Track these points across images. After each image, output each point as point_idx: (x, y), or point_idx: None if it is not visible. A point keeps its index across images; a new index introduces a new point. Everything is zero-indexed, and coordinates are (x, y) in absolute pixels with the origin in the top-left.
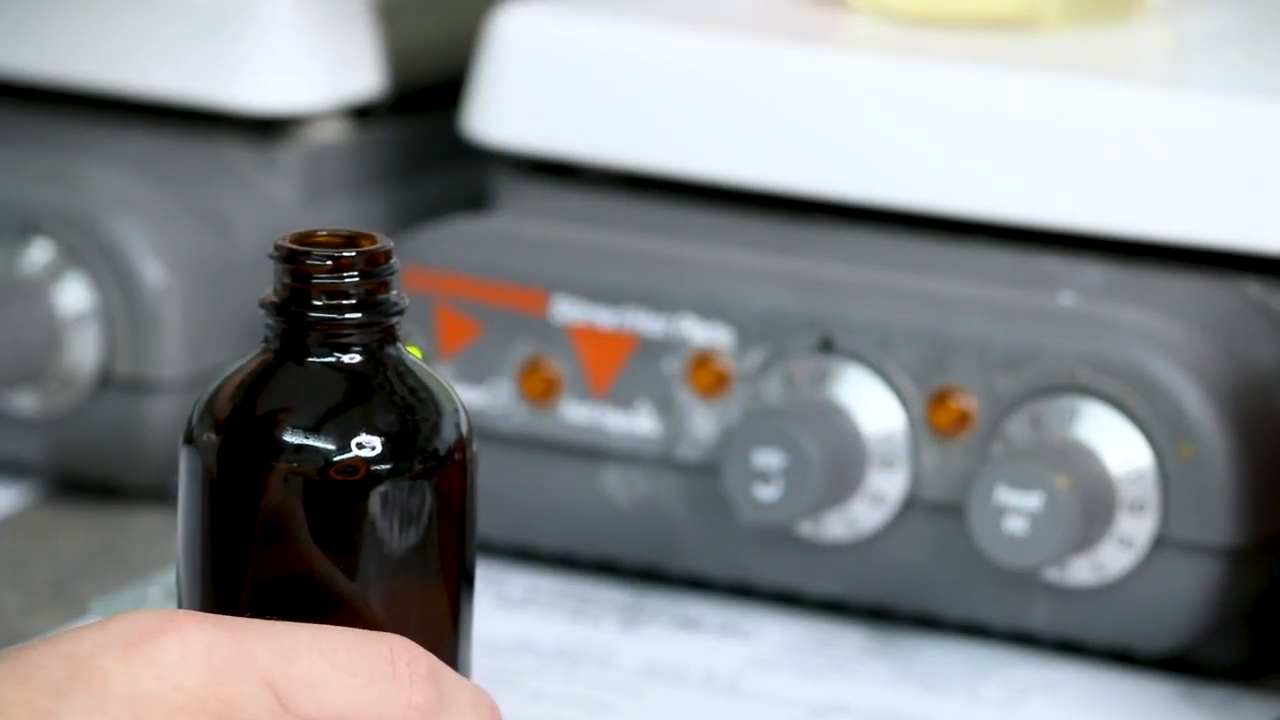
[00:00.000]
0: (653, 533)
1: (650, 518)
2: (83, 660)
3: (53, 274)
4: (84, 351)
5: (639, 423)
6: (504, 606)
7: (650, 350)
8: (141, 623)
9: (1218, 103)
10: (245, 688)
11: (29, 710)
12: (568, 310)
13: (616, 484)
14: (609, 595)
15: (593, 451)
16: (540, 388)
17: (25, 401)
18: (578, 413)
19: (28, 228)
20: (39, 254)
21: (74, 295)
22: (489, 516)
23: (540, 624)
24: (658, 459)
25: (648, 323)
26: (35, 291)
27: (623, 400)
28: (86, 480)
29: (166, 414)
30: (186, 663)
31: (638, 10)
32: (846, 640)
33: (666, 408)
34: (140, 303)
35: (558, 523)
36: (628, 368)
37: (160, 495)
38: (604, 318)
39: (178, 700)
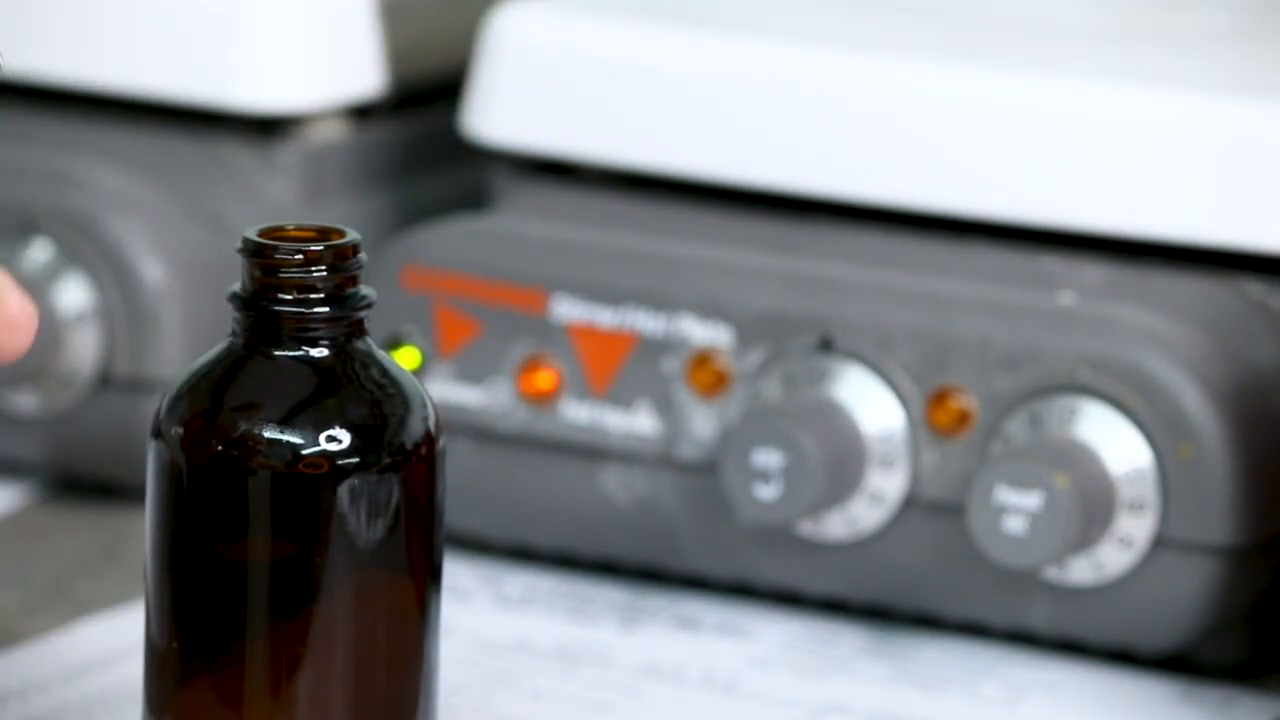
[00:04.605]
0: (652, 532)
1: (650, 517)
2: None
3: (53, 274)
4: (84, 351)
5: (638, 422)
6: (503, 606)
7: (650, 350)
8: None
9: (1218, 102)
10: None
11: None
12: (567, 310)
13: (616, 484)
14: (607, 595)
15: (592, 451)
16: (540, 387)
17: (25, 401)
18: (577, 412)
19: (28, 228)
20: (39, 254)
21: (74, 295)
22: (489, 516)
23: (539, 623)
24: (657, 458)
25: (647, 322)
26: (35, 291)
27: (622, 400)
28: (86, 480)
29: None
30: None
31: (637, 10)
32: (845, 640)
33: (666, 407)
34: (140, 303)
35: (557, 522)
36: (627, 367)
37: None
38: (603, 317)
39: None
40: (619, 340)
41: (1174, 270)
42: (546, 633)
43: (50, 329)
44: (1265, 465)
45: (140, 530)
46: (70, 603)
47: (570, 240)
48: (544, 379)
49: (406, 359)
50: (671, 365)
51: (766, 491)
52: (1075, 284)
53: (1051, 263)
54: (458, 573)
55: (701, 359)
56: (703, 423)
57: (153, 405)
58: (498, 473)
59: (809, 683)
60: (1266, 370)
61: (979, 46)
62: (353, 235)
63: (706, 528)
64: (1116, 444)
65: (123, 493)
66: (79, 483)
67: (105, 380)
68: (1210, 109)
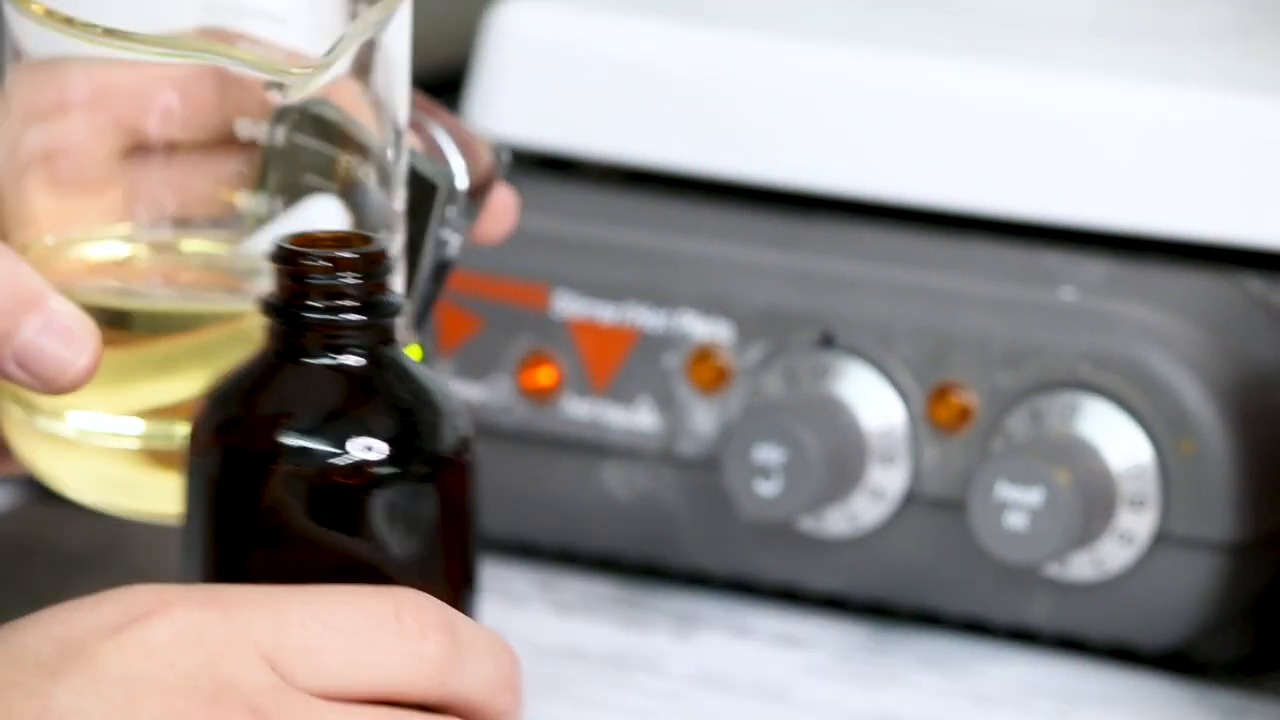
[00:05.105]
0: (653, 528)
1: (650, 513)
2: (75, 642)
3: None
4: None
5: (639, 418)
6: (559, 612)
7: (651, 345)
8: (131, 603)
9: (1219, 98)
10: (239, 666)
11: (23, 691)
12: (568, 305)
13: (617, 479)
14: (665, 602)
15: (593, 447)
16: (541, 383)
17: None
18: (578, 408)
19: None
20: None
21: None
22: (489, 512)
23: (594, 630)
24: (658, 454)
25: (648, 318)
26: None
27: (623, 395)
28: None
29: None
30: (178, 643)
31: (638, 6)
32: (901, 650)
33: (667, 403)
34: None
35: (558, 518)
36: (628, 363)
37: None
38: (605, 313)
39: (170, 680)
40: (620, 336)
41: (1175, 266)
42: (600, 640)
43: None
44: (1266, 461)
45: (141, 530)
46: None
47: (571, 236)
48: (545, 375)
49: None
50: (672, 361)
51: (767, 487)
52: (1076, 280)
53: (1052, 259)
54: (513, 578)
55: (702, 355)
56: (703, 419)
57: None
58: (498, 469)
59: (860, 692)
60: (1268, 366)
61: (980, 43)
62: (382, 241)
63: (707, 524)
64: (1117, 440)
65: None
66: None
67: None
68: (1211, 105)
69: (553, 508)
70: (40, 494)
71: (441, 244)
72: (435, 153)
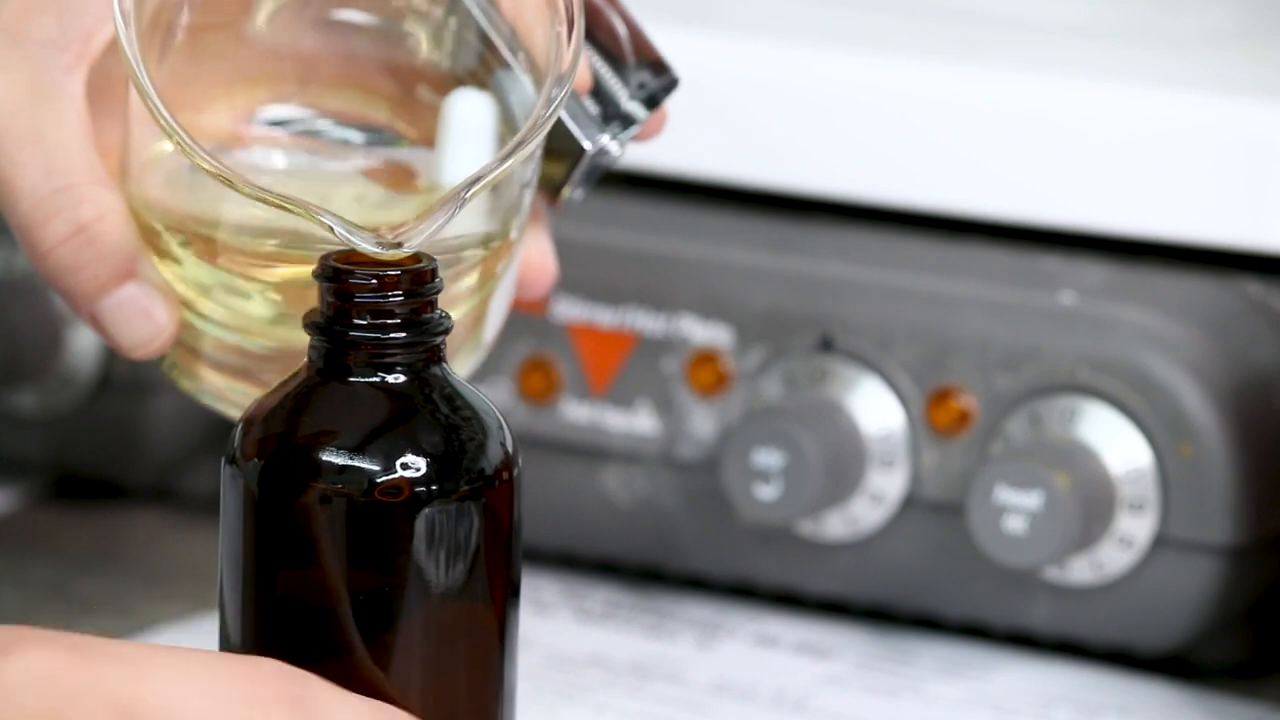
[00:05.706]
0: (652, 532)
1: (650, 517)
2: None
3: None
4: (84, 351)
5: (639, 422)
6: (583, 620)
7: (650, 349)
8: None
9: (1218, 102)
10: (92, 712)
11: None
12: (568, 309)
13: (616, 483)
14: (691, 611)
15: (592, 451)
16: (540, 387)
17: (25, 401)
18: (577, 412)
19: None
20: None
21: None
22: None
23: (617, 639)
24: (657, 458)
25: (648, 322)
26: (35, 291)
27: (622, 399)
28: (86, 480)
29: (167, 414)
30: (30, 686)
31: (635, 8)
32: (921, 659)
33: (666, 407)
34: None
35: (557, 522)
36: (627, 367)
37: (160, 495)
38: (604, 317)
39: None
40: (619, 340)
41: (1174, 270)
42: (623, 648)
43: (50, 329)
44: (1265, 465)
45: (141, 530)
46: (70, 603)
47: (571, 240)
48: (544, 379)
49: None
50: (671, 365)
51: (767, 491)
52: (1075, 284)
53: (1052, 262)
54: (541, 586)
55: (702, 359)
56: (703, 422)
57: (153, 405)
58: None
59: (879, 702)
60: (1267, 370)
61: (979, 46)
62: (429, 260)
63: (707, 527)
64: (1117, 444)
65: (123, 493)
66: (79, 483)
67: (105, 380)
68: (1210, 108)
69: (552, 512)
70: (41, 495)
71: (603, 154)
72: (612, 39)
